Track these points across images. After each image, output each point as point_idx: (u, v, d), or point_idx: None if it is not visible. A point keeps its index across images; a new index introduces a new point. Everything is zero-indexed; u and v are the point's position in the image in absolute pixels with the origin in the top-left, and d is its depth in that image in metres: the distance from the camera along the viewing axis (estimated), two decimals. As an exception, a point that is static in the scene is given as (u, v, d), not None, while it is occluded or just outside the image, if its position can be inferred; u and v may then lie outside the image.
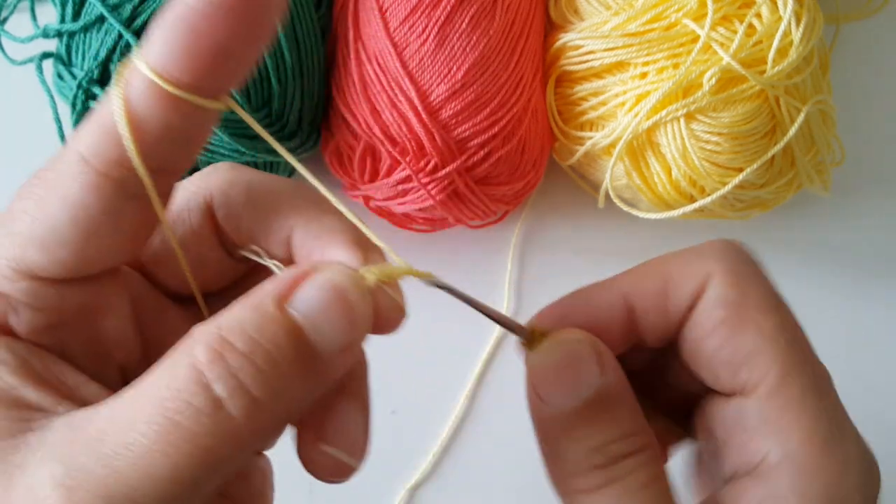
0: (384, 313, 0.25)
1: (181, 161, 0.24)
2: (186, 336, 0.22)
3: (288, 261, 0.28)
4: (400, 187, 0.48)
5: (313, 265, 0.24)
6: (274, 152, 0.47)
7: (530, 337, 0.28)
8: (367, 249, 0.26)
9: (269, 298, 0.22)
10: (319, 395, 0.25)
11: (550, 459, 0.28)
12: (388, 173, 0.48)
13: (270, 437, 0.23)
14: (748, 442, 0.27)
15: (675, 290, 0.28)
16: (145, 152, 0.23)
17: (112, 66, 0.45)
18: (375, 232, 0.29)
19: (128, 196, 0.23)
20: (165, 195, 0.25)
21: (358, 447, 0.27)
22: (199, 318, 0.29)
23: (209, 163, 0.48)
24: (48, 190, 0.23)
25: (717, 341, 0.27)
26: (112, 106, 0.22)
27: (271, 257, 0.28)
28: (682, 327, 0.29)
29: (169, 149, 0.23)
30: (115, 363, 0.27)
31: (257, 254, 0.28)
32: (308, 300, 0.23)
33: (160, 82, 0.22)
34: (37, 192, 0.23)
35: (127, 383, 0.27)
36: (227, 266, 0.29)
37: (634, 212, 0.50)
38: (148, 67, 0.22)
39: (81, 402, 0.24)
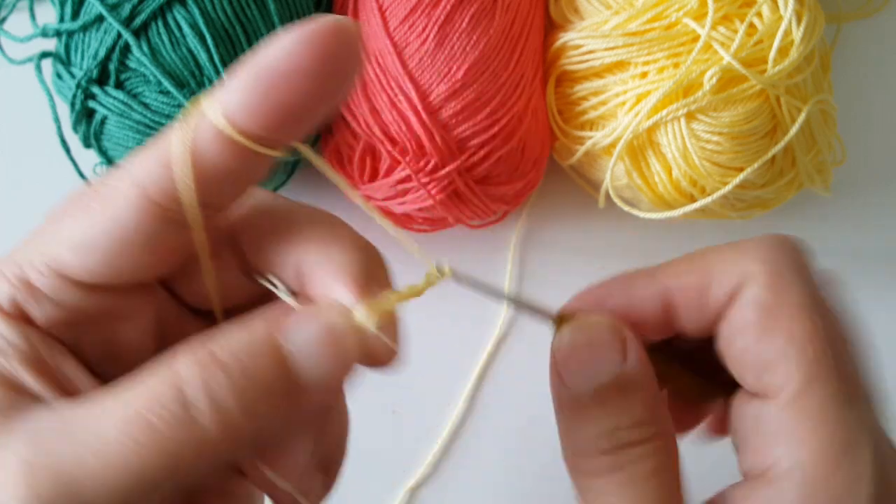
0: (376, 353, 0.25)
1: (229, 198, 0.26)
2: (180, 345, 0.23)
3: (302, 291, 0.28)
4: (400, 187, 0.48)
5: (314, 303, 0.25)
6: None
7: (557, 320, 0.29)
8: (368, 286, 0.26)
9: (262, 323, 0.24)
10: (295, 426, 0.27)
11: (564, 437, 0.28)
12: (388, 173, 0.48)
13: (237, 453, 0.24)
14: (762, 446, 0.27)
15: (715, 287, 0.28)
16: (198, 188, 0.24)
17: (111, 66, 0.45)
18: (374, 232, 0.29)
19: (167, 222, 0.25)
20: (208, 227, 0.26)
21: (312, 491, 0.28)
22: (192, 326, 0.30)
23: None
24: (95, 201, 0.25)
25: (746, 342, 0.28)
26: (175, 143, 0.24)
27: (288, 286, 0.28)
28: (718, 324, 0.29)
29: (221, 188, 0.25)
30: (132, 370, 0.28)
31: (273, 284, 0.28)
32: (299, 332, 0.23)
33: (229, 131, 0.23)
34: (84, 201, 0.25)
35: (117, 368, 0.28)
36: (245, 285, 0.30)
37: (635, 212, 0.50)
38: (219, 115, 0.23)
39: (65, 389, 0.25)
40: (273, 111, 0.23)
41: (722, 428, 0.33)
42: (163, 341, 0.28)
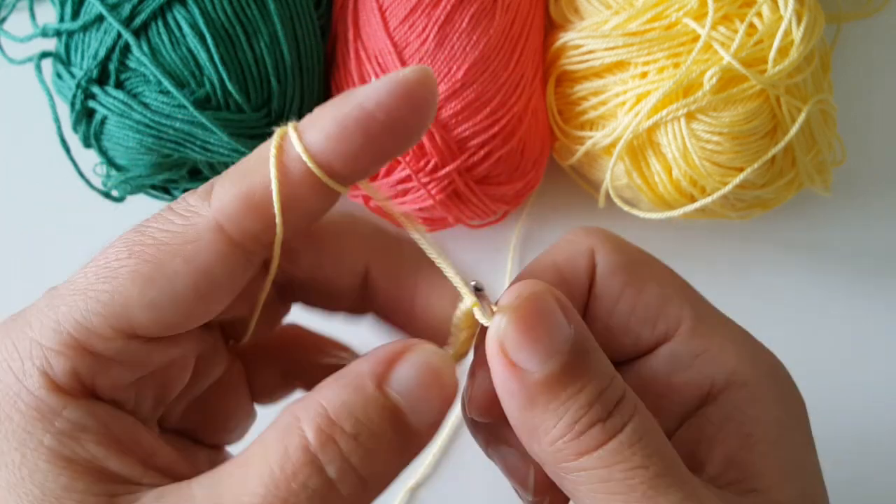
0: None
1: (300, 232, 0.26)
2: (286, 413, 0.23)
3: (355, 293, 0.29)
4: (400, 187, 0.48)
5: (403, 344, 0.25)
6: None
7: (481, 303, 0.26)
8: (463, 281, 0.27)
9: (369, 380, 0.23)
10: None
11: (537, 433, 0.25)
12: (388, 173, 0.48)
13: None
14: (691, 378, 0.28)
15: (570, 274, 0.29)
16: (287, 227, 0.24)
17: (111, 66, 0.45)
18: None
19: (249, 265, 0.24)
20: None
21: None
22: (216, 340, 0.30)
23: (208, 163, 0.48)
24: (169, 254, 0.23)
25: (628, 304, 0.28)
26: (263, 183, 0.23)
27: (334, 287, 0.28)
28: (587, 307, 0.29)
29: (299, 225, 0.25)
30: (176, 405, 0.28)
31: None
32: (405, 381, 0.24)
33: (323, 177, 0.23)
34: (150, 253, 0.23)
35: (160, 411, 0.27)
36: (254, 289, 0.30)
37: (635, 212, 0.50)
38: (309, 157, 0.23)
39: (160, 469, 0.24)
40: (364, 155, 0.23)
41: None
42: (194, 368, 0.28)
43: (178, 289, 0.23)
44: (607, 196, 0.50)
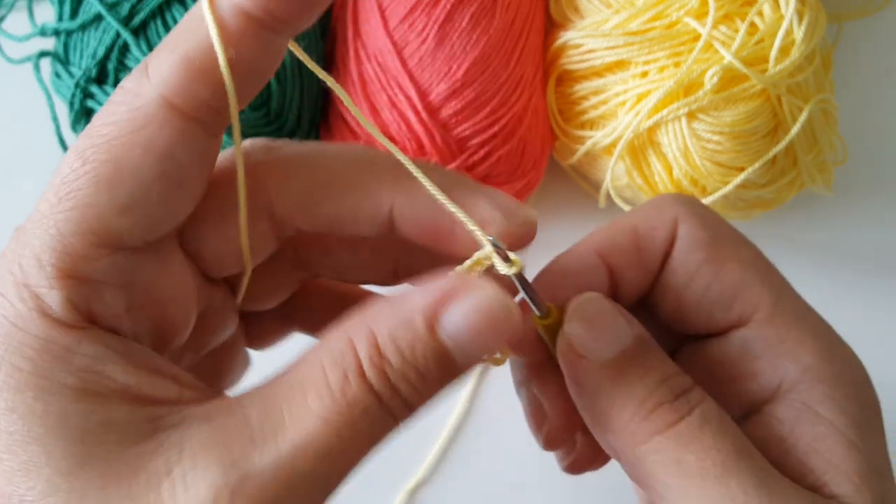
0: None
1: (251, 97, 0.24)
2: (339, 336, 0.23)
3: (381, 241, 0.28)
4: (399, 187, 0.47)
5: (460, 282, 0.23)
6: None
7: (548, 313, 0.28)
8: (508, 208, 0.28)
9: (420, 317, 0.23)
10: None
11: (602, 417, 0.26)
12: (388, 173, 0.48)
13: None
14: (762, 368, 0.27)
15: (647, 241, 0.28)
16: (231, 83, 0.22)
17: (110, 65, 0.45)
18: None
19: (209, 139, 0.23)
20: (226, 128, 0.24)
21: None
22: (224, 300, 0.29)
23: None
24: (124, 147, 0.22)
25: (704, 281, 0.28)
26: (201, 45, 0.22)
27: (358, 240, 0.28)
28: (660, 277, 0.29)
29: (248, 85, 0.23)
30: (156, 332, 0.26)
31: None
32: (457, 325, 0.23)
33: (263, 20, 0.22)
34: (104, 152, 0.22)
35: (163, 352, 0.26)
36: (270, 248, 0.28)
37: (635, 211, 0.49)
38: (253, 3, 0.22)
39: (192, 388, 0.23)
40: None
41: None
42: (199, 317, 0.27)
43: (147, 181, 0.22)
44: (608, 196, 0.50)
